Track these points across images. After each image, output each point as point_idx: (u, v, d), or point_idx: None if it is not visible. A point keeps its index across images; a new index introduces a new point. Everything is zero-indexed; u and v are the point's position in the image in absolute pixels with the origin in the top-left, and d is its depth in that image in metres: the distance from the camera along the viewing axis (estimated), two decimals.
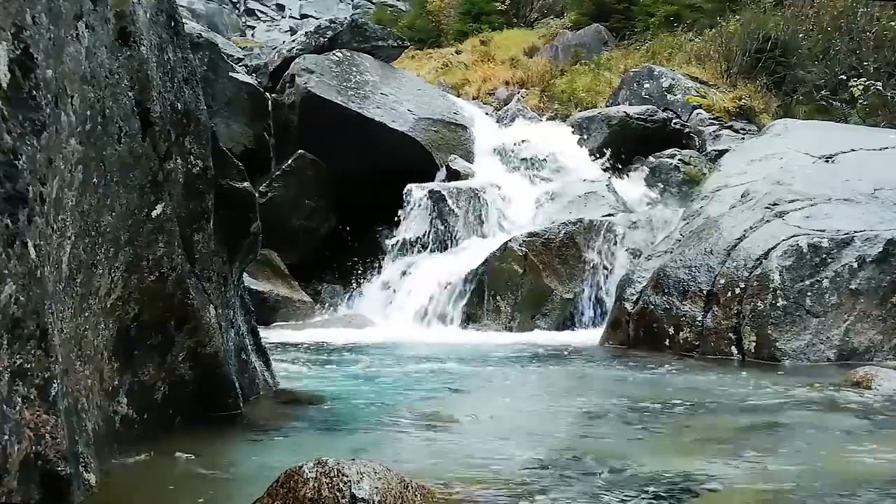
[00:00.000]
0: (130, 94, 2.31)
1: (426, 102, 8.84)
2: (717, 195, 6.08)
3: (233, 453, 2.62)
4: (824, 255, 4.92)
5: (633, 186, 8.52)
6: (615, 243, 6.78)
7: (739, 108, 10.04)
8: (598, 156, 9.03)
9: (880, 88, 9.75)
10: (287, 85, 8.28)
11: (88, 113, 2.00)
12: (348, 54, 8.67)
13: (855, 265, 4.85)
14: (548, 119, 10.45)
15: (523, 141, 9.07)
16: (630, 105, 10.03)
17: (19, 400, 1.56)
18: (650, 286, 5.42)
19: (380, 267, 7.70)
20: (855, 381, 3.78)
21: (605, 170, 8.82)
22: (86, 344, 2.14)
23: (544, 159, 8.83)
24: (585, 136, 9.30)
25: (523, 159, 8.89)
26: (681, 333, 5.14)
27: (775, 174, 5.96)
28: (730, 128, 9.73)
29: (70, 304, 2.00)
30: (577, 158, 8.95)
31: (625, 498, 2.11)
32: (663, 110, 9.79)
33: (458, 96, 10.94)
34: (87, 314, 2.14)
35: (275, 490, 1.79)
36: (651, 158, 8.97)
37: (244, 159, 4.07)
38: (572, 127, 9.54)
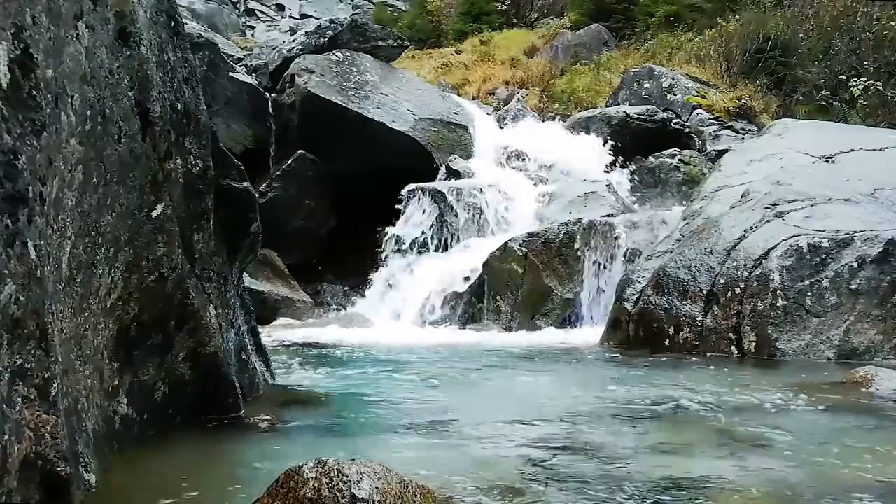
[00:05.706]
0: (130, 94, 2.31)
1: (426, 102, 8.84)
2: (717, 195, 6.07)
3: (232, 453, 2.62)
4: (824, 255, 4.92)
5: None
6: (615, 243, 6.77)
7: (739, 108, 10.05)
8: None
9: (880, 88, 9.76)
10: (287, 85, 8.28)
11: (88, 113, 2.00)
12: (348, 54, 8.67)
13: (855, 265, 4.85)
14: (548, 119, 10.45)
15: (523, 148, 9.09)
16: (630, 105, 10.04)
17: (19, 400, 1.56)
18: (650, 286, 5.42)
19: (380, 267, 7.71)
20: (855, 380, 3.78)
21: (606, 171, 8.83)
22: (86, 344, 2.14)
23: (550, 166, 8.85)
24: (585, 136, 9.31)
25: (523, 160, 8.90)
26: (681, 333, 5.14)
27: (775, 174, 5.96)
28: (730, 128, 9.74)
29: (70, 304, 2.00)
30: (582, 160, 8.96)
31: (624, 498, 2.11)
32: (663, 110, 9.79)
33: (459, 96, 10.94)
34: (87, 314, 2.14)
35: (275, 490, 1.79)
36: (651, 158, 8.97)
37: (244, 159, 4.08)
38: (572, 127, 9.54)
